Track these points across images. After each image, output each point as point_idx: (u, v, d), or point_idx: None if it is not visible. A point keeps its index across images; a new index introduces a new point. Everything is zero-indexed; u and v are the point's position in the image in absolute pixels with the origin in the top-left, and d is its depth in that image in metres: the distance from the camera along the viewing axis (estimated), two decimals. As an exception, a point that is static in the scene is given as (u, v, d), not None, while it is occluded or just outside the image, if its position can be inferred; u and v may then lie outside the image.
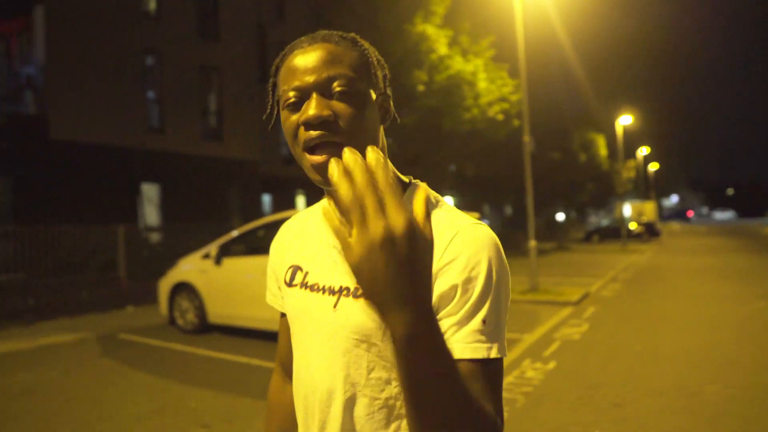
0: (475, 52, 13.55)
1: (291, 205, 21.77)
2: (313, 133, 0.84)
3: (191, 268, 7.57)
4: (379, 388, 0.87)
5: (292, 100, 0.87)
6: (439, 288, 0.82)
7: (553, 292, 10.63)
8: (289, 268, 1.01)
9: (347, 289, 0.89)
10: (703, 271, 14.71)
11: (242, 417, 4.45)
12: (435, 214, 0.88)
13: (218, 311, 7.20)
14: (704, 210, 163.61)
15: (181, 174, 16.30)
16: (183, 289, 7.56)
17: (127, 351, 6.86)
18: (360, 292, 0.83)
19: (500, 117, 13.09)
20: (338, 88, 0.85)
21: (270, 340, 6.63)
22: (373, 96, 0.90)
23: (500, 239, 0.89)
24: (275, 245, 1.10)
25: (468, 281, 0.81)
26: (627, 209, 39.15)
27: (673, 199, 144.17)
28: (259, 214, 18.70)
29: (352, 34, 0.93)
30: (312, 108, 0.84)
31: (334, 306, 0.89)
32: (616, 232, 32.63)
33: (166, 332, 7.76)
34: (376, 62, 0.93)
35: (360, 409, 0.88)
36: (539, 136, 11.81)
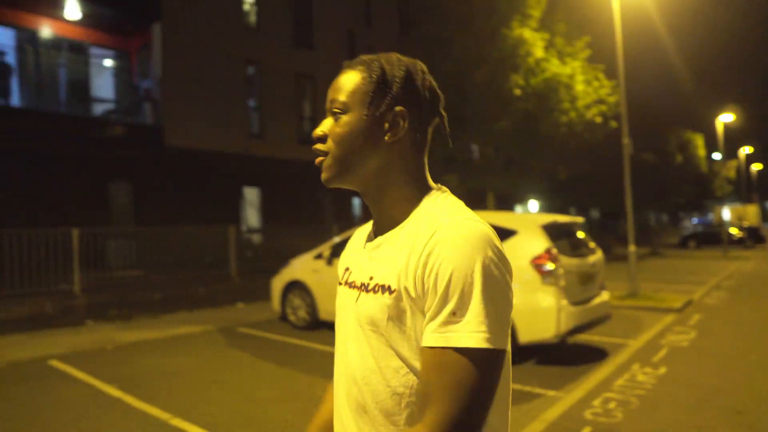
0: (570, 53, 13.42)
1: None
2: (316, 145, 1.05)
3: (303, 267, 8.08)
4: (390, 375, 0.97)
5: (327, 112, 1.07)
6: (419, 285, 0.92)
7: (654, 299, 10.38)
8: (345, 268, 1.16)
9: (364, 284, 1.03)
10: (819, 280, 13.79)
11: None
12: (424, 215, 1.00)
13: (329, 309, 7.64)
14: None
15: (279, 178, 17.18)
16: (295, 287, 8.08)
17: (247, 343, 7.44)
18: (371, 286, 1.00)
19: (598, 119, 12.91)
20: (333, 110, 1.03)
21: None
22: (365, 115, 1.01)
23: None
24: (347, 246, 1.25)
25: (437, 277, 0.89)
26: (726, 213, 36.93)
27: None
28: (350, 216, 19.33)
29: (386, 56, 1.06)
30: (321, 126, 1.05)
31: (356, 300, 1.04)
32: (714, 238, 30.86)
33: (279, 327, 8.31)
34: (384, 83, 1.02)
35: (378, 395, 0.98)
36: (633, 136, 11.47)
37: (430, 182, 1.07)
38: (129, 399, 5.09)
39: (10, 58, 13.71)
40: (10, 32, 14.17)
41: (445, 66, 13.18)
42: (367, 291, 1.01)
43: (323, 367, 6.05)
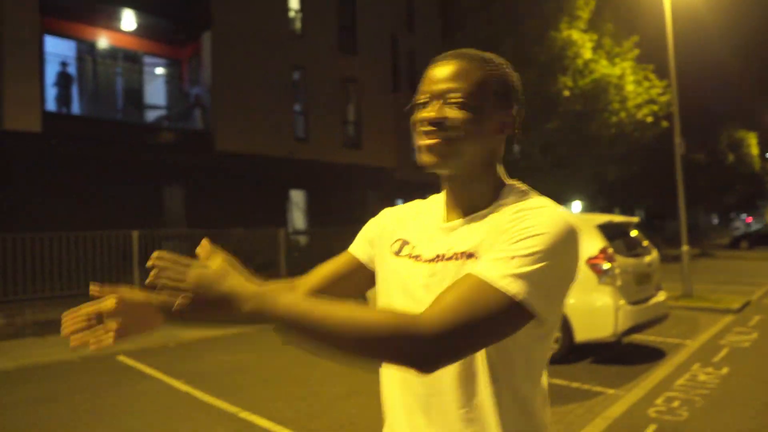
0: (619, 54, 13.26)
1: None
2: (427, 128, 1.06)
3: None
4: None
5: (422, 100, 1.09)
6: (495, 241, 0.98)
7: (709, 299, 10.16)
8: (397, 240, 1.19)
9: (440, 255, 1.07)
10: None
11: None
12: (508, 201, 1.06)
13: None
14: None
15: (324, 181, 17.47)
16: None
17: (303, 341, 7.63)
18: (449, 255, 1.05)
19: (650, 119, 12.72)
20: (452, 99, 1.04)
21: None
22: (487, 109, 1.05)
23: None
24: (390, 218, 1.27)
25: (515, 233, 0.96)
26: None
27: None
28: (394, 218, 19.47)
29: (489, 55, 1.11)
30: (429, 111, 1.06)
31: (428, 271, 1.07)
32: (768, 239, 29.76)
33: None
34: (502, 81, 1.09)
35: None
36: (684, 136, 11.26)
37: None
38: (197, 393, 5.31)
39: (71, 69, 14.36)
40: (71, 44, 14.84)
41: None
42: (446, 260, 1.05)
43: (380, 365, 6.18)
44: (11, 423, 4.73)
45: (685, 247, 10.95)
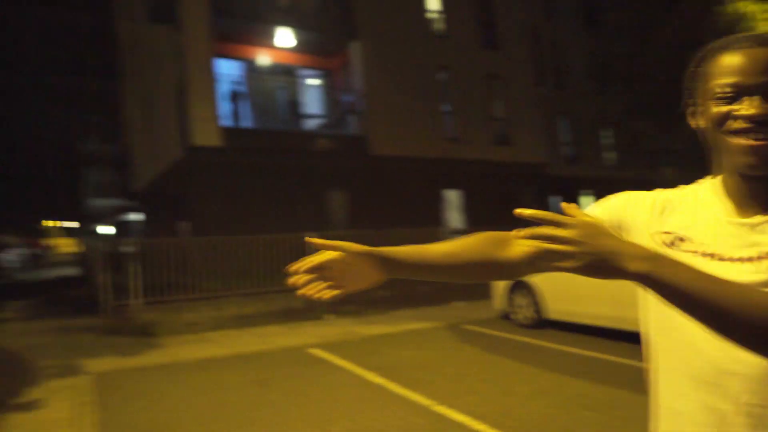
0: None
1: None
2: (748, 125, 0.94)
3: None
4: None
5: (728, 94, 0.97)
6: None
7: None
8: (666, 233, 1.09)
9: (752, 257, 0.97)
10: None
11: (624, 406, 4.67)
12: None
13: (557, 308, 7.66)
14: None
15: (477, 180, 17.54)
16: (521, 287, 8.22)
17: (478, 339, 7.75)
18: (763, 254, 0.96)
19: None
20: None
21: (611, 337, 6.83)
22: None
23: None
24: (637, 205, 1.16)
25: None
26: None
27: None
28: (549, 213, 19.04)
29: None
30: (756, 107, 0.94)
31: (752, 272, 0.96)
32: None
33: (502, 325, 8.51)
34: None
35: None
36: None
37: None
38: (391, 386, 5.60)
39: (239, 87, 15.79)
40: (238, 64, 16.30)
41: (650, 52, 12.38)
42: (759, 260, 0.96)
43: (564, 366, 6.09)
44: (237, 400, 5.35)
45: None
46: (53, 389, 5.95)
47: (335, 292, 1.10)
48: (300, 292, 1.09)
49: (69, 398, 5.59)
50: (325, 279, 1.09)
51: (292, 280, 1.08)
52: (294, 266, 1.08)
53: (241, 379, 6.10)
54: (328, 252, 1.11)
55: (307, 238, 1.18)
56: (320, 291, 1.09)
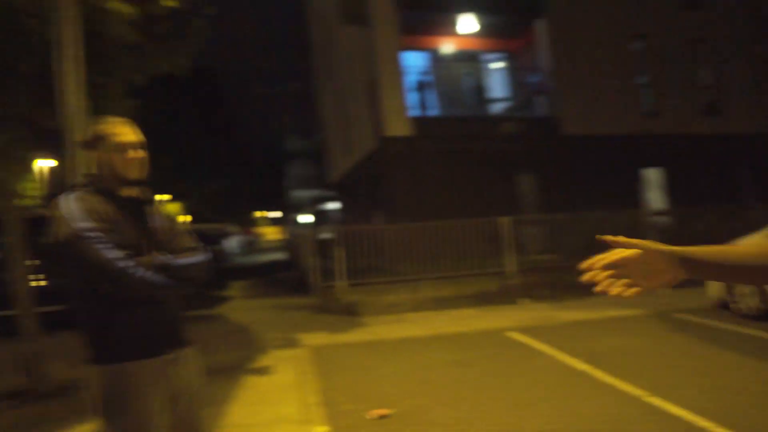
0: None
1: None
2: None
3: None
4: None
5: None
6: None
7: None
8: None
9: None
10: None
11: None
12: None
13: (791, 296, 6.77)
14: None
15: (681, 155, 15.95)
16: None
17: (693, 329, 7.11)
18: None
19: None
20: None
21: None
22: None
23: None
24: None
25: None
26: None
27: None
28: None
29: None
30: None
31: None
32: None
33: (720, 315, 7.72)
34: None
35: None
36: None
37: None
38: (597, 373, 5.41)
39: (425, 77, 16.22)
40: (423, 55, 16.74)
41: None
42: None
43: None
44: (439, 378, 5.60)
45: None
46: (279, 358, 6.78)
47: (634, 290, 1.12)
48: (597, 288, 1.11)
49: (293, 366, 6.33)
50: (619, 276, 1.12)
51: (587, 276, 1.11)
52: (588, 262, 1.12)
53: (442, 358, 6.35)
54: (623, 249, 1.13)
55: (602, 237, 1.17)
56: (619, 288, 1.11)
